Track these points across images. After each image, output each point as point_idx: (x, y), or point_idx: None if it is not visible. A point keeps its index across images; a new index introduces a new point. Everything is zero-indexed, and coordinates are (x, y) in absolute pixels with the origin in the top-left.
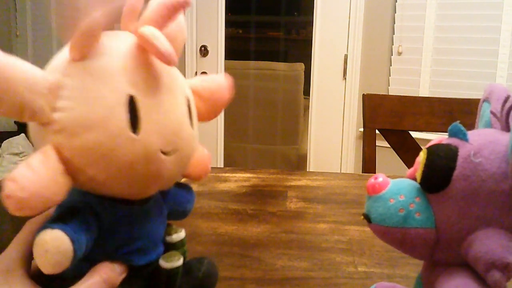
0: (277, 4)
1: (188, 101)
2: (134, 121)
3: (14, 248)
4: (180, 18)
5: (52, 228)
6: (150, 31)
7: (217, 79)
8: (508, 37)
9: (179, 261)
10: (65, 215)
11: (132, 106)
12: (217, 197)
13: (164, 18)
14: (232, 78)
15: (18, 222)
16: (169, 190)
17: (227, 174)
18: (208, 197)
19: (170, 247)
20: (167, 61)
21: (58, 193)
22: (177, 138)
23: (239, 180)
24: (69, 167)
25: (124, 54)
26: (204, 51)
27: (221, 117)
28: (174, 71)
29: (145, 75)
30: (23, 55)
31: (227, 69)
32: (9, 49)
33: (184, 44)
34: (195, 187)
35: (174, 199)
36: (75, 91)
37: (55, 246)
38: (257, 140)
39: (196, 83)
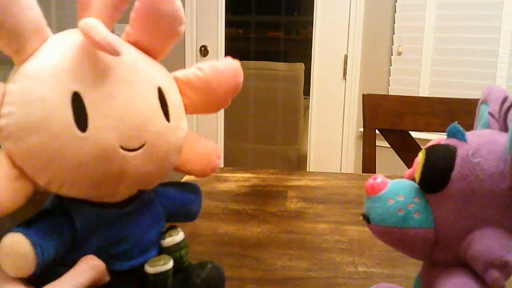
0: (277, 4)
1: (163, 93)
2: (81, 118)
3: None
4: None
5: (14, 231)
6: (86, 22)
7: (217, 66)
8: (508, 37)
9: (165, 266)
10: (33, 218)
11: (78, 103)
12: (217, 197)
13: (114, 9)
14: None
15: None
16: (167, 190)
17: (227, 174)
18: (208, 197)
19: (164, 251)
20: (107, 50)
21: (13, 198)
22: (142, 132)
23: (239, 180)
24: (24, 172)
25: (68, 51)
26: (204, 51)
27: (221, 117)
28: (141, 63)
29: (92, 70)
30: None
31: None
32: None
33: (184, 44)
34: None
35: (174, 200)
36: (17, 96)
37: (14, 249)
38: (257, 140)
39: (188, 73)
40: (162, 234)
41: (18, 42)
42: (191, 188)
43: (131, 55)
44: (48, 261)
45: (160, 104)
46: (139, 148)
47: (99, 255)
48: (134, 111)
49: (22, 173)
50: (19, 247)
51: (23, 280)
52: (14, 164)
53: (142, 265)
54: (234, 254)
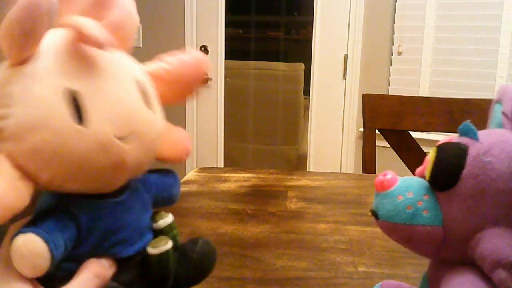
0: (277, 4)
1: (140, 84)
2: (80, 113)
3: (5, 249)
4: (125, 2)
5: (24, 232)
6: (72, 19)
7: (183, 58)
8: (508, 37)
9: (166, 245)
10: (37, 218)
11: (75, 99)
12: (217, 197)
13: (96, 7)
14: (231, 77)
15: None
16: (147, 177)
17: (227, 174)
18: (208, 197)
19: (159, 233)
20: (98, 44)
21: (19, 199)
22: (132, 122)
23: (239, 180)
24: (26, 172)
25: (57, 49)
26: (204, 51)
27: (221, 117)
28: (118, 56)
29: (82, 66)
30: None
31: (227, 69)
32: None
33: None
34: (194, 187)
35: (157, 186)
36: (14, 97)
37: (28, 249)
38: (257, 140)
39: (156, 66)
40: (152, 219)
41: (28, 48)
42: (168, 173)
43: (112, 51)
44: (61, 257)
45: (141, 95)
46: (130, 138)
47: (103, 244)
48: (122, 103)
49: (24, 174)
50: (33, 247)
51: (31, 279)
52: (15, 165)
53: (143, 250)
54: (234, 254)
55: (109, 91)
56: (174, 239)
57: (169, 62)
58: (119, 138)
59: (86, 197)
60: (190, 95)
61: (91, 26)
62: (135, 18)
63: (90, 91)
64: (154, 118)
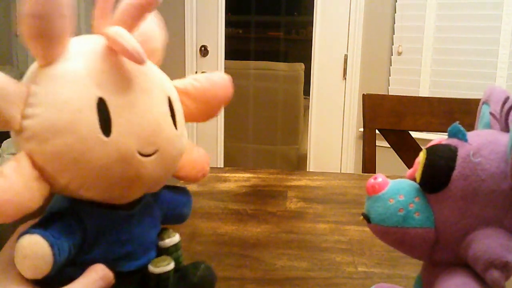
0: (277, 4)
1: (170, 100)
2: (106, 123)
3: (8, 251)
4: (151, 17)
5: (31, 233)
6: (115, 30)
7: (212, 78)
8: (508, 37)
9: (168, 266)
10: (46, 220)
11: (102, 108)
12: (217, 197)
13: (133, 18)
14: (231, 78)
15: (18, 223)
16: (161, 193)
17: (227, 174)
18: (208, 197)
19: (163, 251)
20: (135, 59)
21: (32, 199)
22: (157, 139)
23: (239, 180)
24: (43, 173)
25: (91, 56)
26: (204, 51)
27: (221, 117)
28: (151, 70)
29: (115, 77)
30: (23, 55)
31: (227, 69)
32: (9, 49)
33: (183, 44)
34: (194, 187)
35: (168, 203)
36: (42, 98)
37: (33, 251)
38: (257, 140)
39: (186, 82)
40: (158, 236)
41: (52, 48)
42: (182, 191)
43: (146, 64)
44: (63, 262)
45: (170, 112)
46: (152, 154)
47: (108, 255)
48: (151, 118)
49: (41, 175)
50: (37, 249)
51: (32, 281)
52: (34, 164)
53: (144, 266)
54: (234, 254)
55: (139, 105)
56: (177, 259)
57: (198, 79)
58: (141, 153)
59: (98, 206)
60: (214, 115)
61: (129, 39)
62: (162, 32)
63: (120, 102)
64: (178, 136)
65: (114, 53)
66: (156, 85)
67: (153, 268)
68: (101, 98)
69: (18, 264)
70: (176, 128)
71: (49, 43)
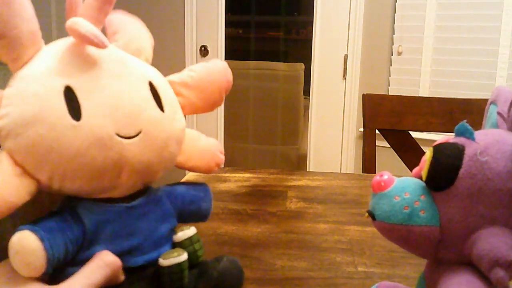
0: (277, 4)
1: (154, 86)
2: (75, 109)
3: None
4: (134, 21)
5: (21, 229)
6: (72, 20)
7: (208, 65)
8: (508, 37)
9: (179, 257)
10: (39, 218)
11: (70, 95)
12: (217, 197)
13: (97, 10)
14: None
15: (18, 223)
16: (176, 189)
17: (227, 174)
18: None
19: (177, 246)
20: (94, 43)
21: (16, 195)
22: (136, 120)
23: (239, 180)
24: (26, 169)
25: (59, 52)
26: (204, 51)
27: (221, 117)
28: (129, 59)
29: (82, 65)
30: None
31: None
32: None
33: (184, 44)
34: None
35: (183, 198)
36: (12, 97)
37: (22, 246)
38: (257, 140)
39: (182, 75)
40: (174, 231)
41: (17, 51)
42: (200, 186)
43: (120, 53)
44: (59, 258)
45: (153, 96)
46: (135, 136)
47: (110, 250)
48: (126, 100)
49: (24, 171)
50: (27, 243)
51: (38, 280)
52: (16, 162)
53: (156, 261)
54: (234, 254)
55: (112, 89)
56: (194, 253)
57: (194, 69)
58: (121, 135)
59: (95, 201)
60: (218, 102)
61: (86, 25)
62: (147, 32)
63: (88, 88)
64: (167, 118)
65: (80, 44)
66: (131, 71)
67: (162, 261)
68: (68, 86)
69: (12, 261)
70: (162, 111)
71: (10, 44)
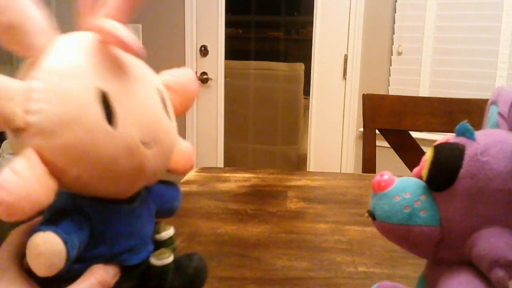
0: (277, 4)
1: (161, 93)
2: (110, 115)
3: (4, 249)
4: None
5: (44, 230)
6: (110, 23)
7: (184, 73)
8: (508, 37)
9: (169, 258)
10: (55, 217)
11: (105, 100)
12: (217, 197)
13: (124, 13)
14: (232, 78)
15: (17, 224)
16: (154, 187)
17: (227, 174)
18: (208, 197)
19: (160, 245)
20: (134, 51)
21: (46, 195)
22: (156, 129)
23: (239, 180)
24: (52, 169)
25: (87, 49)
26: (204, 51)
27: (221, 117)
28: (142, 64)
29: (112, 69)
30: None
31: (227, 69)
32: None
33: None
34: (194, 187)
35: (161, 197)
36: (46, 93)
37: (48, 248)
38: (257, 140)
39: (167, 77)
40: (154, 230)
41: (23, 38)
42: (172, 185)
43: (133, 57)
44: (74, 258)
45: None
46: (151, 144)
47: (113, 250)
48: (150, 108)
49: (50, 170)
50: (53, 246)
51: (35, 278)
52: (43, 160)
53: (145, 260)
54: (234, 254)
55: (138, 95)
56: (173, 251)
57: (174, 74)
58: (143, 143)
59: (101, 200)
60: (188, 109)
61: (127, 32)
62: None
63: (120, 93)
64: (172, 128)
65: (108, 46)
66: (148, 78)
67: (155, 261)
68: (103, 90)
69: (32, 261)
70: (170, 120)
71: (14, 34)
